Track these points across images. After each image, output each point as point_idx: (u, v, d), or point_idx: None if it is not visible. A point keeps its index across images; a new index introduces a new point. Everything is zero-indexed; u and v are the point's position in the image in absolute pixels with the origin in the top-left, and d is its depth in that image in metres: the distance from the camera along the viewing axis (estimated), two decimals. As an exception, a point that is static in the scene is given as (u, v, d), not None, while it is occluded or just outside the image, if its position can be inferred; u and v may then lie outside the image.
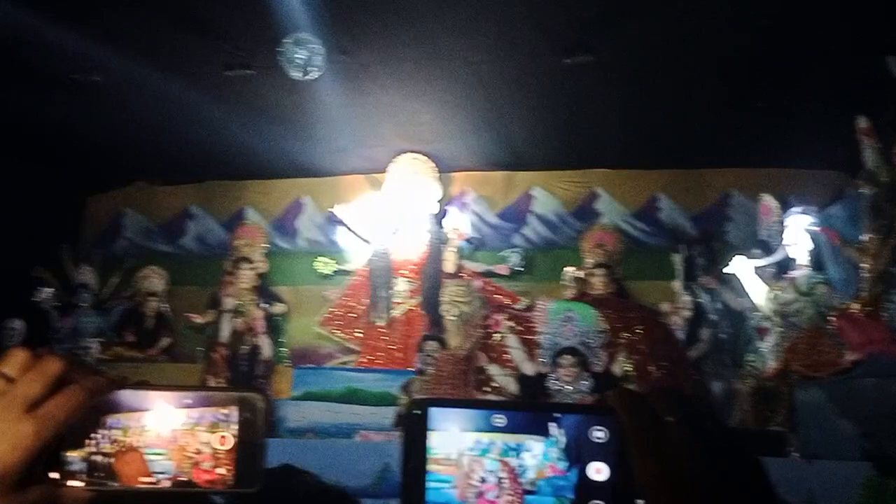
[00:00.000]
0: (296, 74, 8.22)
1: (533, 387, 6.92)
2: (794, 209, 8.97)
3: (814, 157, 9.44)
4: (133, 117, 9.57)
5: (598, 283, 10.07)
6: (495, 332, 7.14)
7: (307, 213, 11.39)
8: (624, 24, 7.80)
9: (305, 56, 8.13)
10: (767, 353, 8.60)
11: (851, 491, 5.96)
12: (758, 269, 8.82)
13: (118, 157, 10.63)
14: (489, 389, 6.97)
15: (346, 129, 9.90)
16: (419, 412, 0.90)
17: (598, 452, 0.88)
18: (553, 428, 0.89)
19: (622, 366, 6.90)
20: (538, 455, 0.89)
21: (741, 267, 8.83)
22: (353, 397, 9.06)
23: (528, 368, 7.01)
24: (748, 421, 8.14)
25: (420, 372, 8.73)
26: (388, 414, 8.56)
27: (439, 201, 10.95)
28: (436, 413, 0.90)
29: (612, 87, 8.85)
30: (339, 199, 11.01)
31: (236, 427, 0.96)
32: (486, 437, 0.90)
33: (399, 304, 10.62)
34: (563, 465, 0.88)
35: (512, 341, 7.08)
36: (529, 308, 7.82)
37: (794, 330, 8.24)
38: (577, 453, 0.88)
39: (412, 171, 10.80)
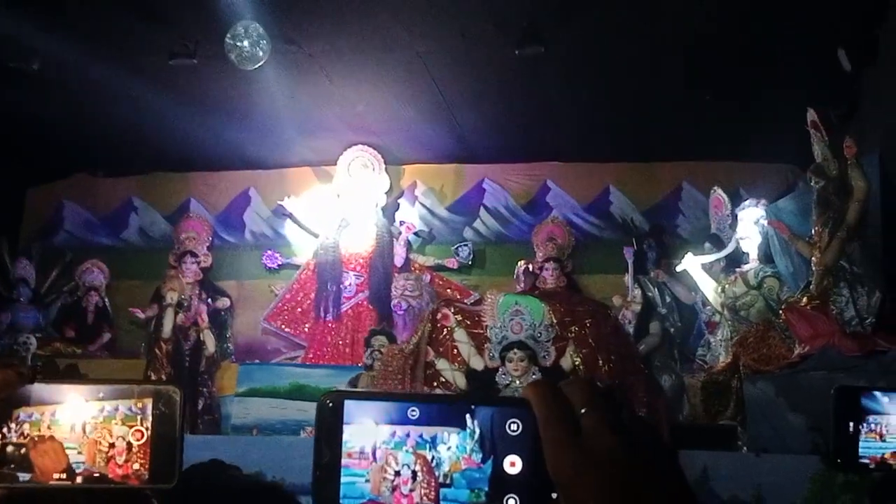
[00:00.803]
0: (241, 64, 8.07)
1: (482, 381, 6.83)
2: (744, 202, 9.00)
3: (765, 150, 9.51)
4: (74, 107, 9.40)
5: (550, 277, 10.07)
6: (443, 327, 7.03)
7: (253, 205, 11.26)
8: (575, 16, 7.76)
9: (251, 46, 7.98)
10: (717, 347, 8.62)
11: (800, 485, 5.97)
12: (706, 266, 8.84)
13: (58, 147, 10.43)
14: (437, 384, 6.86)
15: (294, 120, 9.79)
16: (333, 405, 0.88)
17: (514, 445, 0.87)
18: (468, 419, 0.88)
19: (571, 360, 6.82)
20: (453, 447, 0.88)
21: (690, 264, 8.84)
22: (299, 393, 8.95)
23: (477, 363, 6.91)
24: (698, 415, 8.15)
25: (367, 367, 8.64)
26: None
27: (388, 194, 10.85)
28: (351, 406, 0.88)
29: (563, 79, 8.83)
30: (286, 191, 10.90)
31: (151, 421, 0.94)
32: (401, 430, 0.89)
33: (347, 298, 10.52)
34: (477, 457, 0.88)
35: (460, 335, 6.98)
36: (478, 302, 7.74)
37: (744, 323, 8.27)
38: (493, 446, 0.88)
39: (361, 163, 10.69)
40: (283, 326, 10.74)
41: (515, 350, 6.77)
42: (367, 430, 0.88)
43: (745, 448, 7.14)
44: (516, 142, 10.50)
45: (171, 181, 11.44)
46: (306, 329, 10.61)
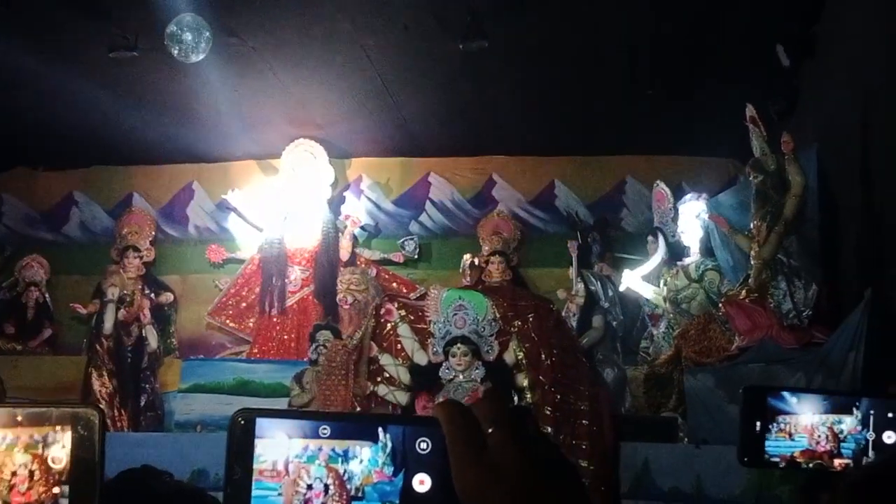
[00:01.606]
0: (183, 57, 7.97)
1: (425, 376, 6.85)
2: (686, 196, 9.10)
3: (707, 144, 9.64)
4: (12, 100, 9.22)
5: (495, 271, 10.09)
6: (387, 322, 7.03)
7: (197, 199, 11.14)
8: (519, 9, 7.78)
9: (193, 38, 7.89)
10: (659, 340, 8.72)
11: (739, 476, 6.08)
12: (646, 277, 8.93)
13: (-4, 141, 10.22)
14: (381, 380, 6.86)
15: (237, 113, 9.70)
16: (245, 423, 0.89)
17: (423, 464, 0.88)
18: (381, 432, 0.89)
19: (514, 354, 6.87)
20: (365, 461, 0.89)
21: (631, 281, 8.93)
22: (243, 389, 8.90)
23: (421, 358, 6.93)
24: (641, 407, 8.23)
25: (312, 362, 8.59)
26: (280, 405, 8.41)
27: (333, 188, 10.80)
28: (263, 423, 0.89)
29: (508, 73, 8.86)
30: (230, 185, 10.79)
31: (69, 445, 0.92)
32: (313, 444, 0.89)
33: (292, 292, 10.46)
34: (389, 471, 0.88)
35: (404, 330, 6.98)
36: (421, 297, 7.76)
37: (685, 316, 8.36)
38: (404, 462, 0.88)
39: (305, 156, 10.62)
40: (227, 321, 10.64)
41: (459, 345, 6.81)
42: (279, 445, 0.88)
43: (685, 440, 7.24)
44: (462, 135, 10.51)
45: (113, 175, 11.27)
46: (251, 324, 10.52)
